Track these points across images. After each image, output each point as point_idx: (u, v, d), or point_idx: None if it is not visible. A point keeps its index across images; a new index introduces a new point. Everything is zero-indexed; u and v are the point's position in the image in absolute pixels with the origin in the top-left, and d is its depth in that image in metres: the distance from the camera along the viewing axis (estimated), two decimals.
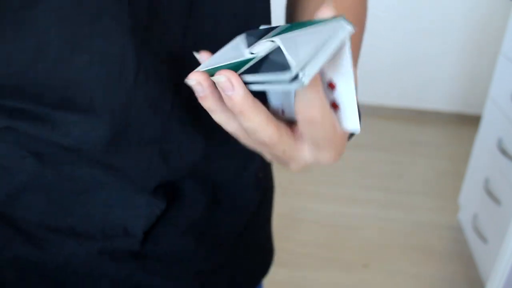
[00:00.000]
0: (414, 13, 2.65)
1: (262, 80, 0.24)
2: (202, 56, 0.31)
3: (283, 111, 0.31)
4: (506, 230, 1.44)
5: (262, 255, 0.59)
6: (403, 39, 2.72)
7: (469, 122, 2.85)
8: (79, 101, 0.35)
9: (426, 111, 2.89)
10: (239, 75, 0.26)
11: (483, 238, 1.61)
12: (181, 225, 0.46)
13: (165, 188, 0.43)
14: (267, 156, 0.32)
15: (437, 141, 2.63)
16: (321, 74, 0.28)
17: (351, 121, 0.28)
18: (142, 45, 0.34)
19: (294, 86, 0.23)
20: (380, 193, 2.14)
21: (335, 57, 0.27)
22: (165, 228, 0.45)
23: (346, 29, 0.25)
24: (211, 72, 0.27)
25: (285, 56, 0.24)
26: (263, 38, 0.28)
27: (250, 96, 0.26)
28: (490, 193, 1.57)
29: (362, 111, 2.94)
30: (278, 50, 0.25)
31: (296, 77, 0.23)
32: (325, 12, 0.27)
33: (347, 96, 0.27)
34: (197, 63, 0.36)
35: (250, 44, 0.29)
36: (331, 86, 0.28)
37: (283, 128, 0.29)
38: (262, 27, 0.31)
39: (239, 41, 0.30)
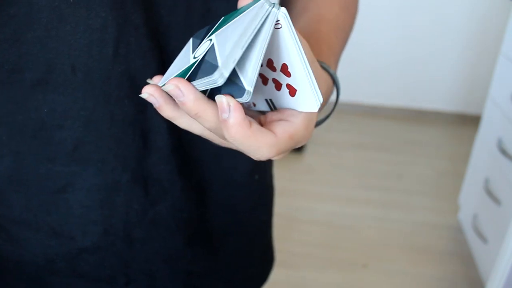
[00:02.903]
0: (414, 13, 2.65)
1: (200, 84, 0.26)
2: (155, 80, 0.32)
3: (254, 104, 0.32)
4: (506, 230, 1.43)
5: (260, 262, 0.58)
6: (403, 39, 2.72)
7: (469, 122, 2.85)
8: (61, 71, 0.36)
9: (426, 111, 2.89)
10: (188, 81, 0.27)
11: (483, 238, 1.60)
12: (169, 224, 0.45)
13: (145, 185, 0.43)
14: (249, 155, 0.33)
15: (437, 141, 2.63)
16: (272, 62, 0.29)
17: (308, 103, 0.29)
18: (124, 20, 0.35)
19: (220, 81, 0.25)
20: (380, 193, 2.14)
21: (280, 42, 0.27)
22: (153, 228, 0.45)
23: (266, 10, 0.26)
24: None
25: (216, 56, 0.26)
26: (205, 37, 0.30)
27: (203, 98, 0.26)
28: (490, 193, 1.57)
29: (362, 111, 2.94)
30: (212, 48, 0.27)
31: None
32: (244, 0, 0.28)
33: (300, 78, 0.28)
34: (183, 37, 0.38)
35: (195, 47, 0.30)
36: (284, 71, 0.28)
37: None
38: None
39: (188, 46, 0.32)
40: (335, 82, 0.38)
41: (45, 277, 0.45)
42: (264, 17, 0.26)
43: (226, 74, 0.24)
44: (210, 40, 0.28)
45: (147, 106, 0.39)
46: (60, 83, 0.36)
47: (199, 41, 0.30)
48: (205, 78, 0.25)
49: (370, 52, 2.77)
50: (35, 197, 0.41)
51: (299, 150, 2.41)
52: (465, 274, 1.68)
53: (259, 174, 0.52)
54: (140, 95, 0.30)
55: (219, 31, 0.28)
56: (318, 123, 0.37)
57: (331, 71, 0.37)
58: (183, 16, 0.39)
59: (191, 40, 0.33)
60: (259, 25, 0.25)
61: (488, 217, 1.60)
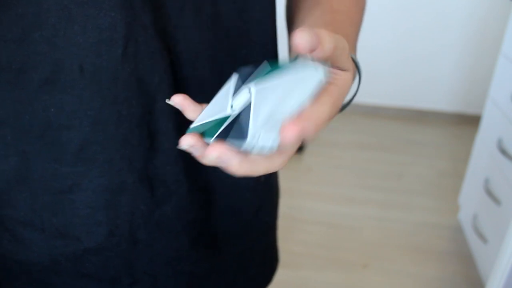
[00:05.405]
0: (414, 13, 2.65)
1: (231, 143, 0.28)
2: (175, 100, 0.31)
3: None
4: (506, 230, 1.43)
5: (264, 263, 0.58)
6: (403, 39, 2.72)
7: (469, 122, 2.85)
8: (69, 71, 0.36)
9: (426, 111, 2.89)
10: (224, 138, 0.29)
11: (483, 238, 1.60)
12: (174, 226, 0.45)
13: (151, 186, 0.42)
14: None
15: (437, 141, 2.63)
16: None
17: None
18: (133, 19, 0.35)
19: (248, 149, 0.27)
20: (380, 193, 2.14)
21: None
22: (158, 229, 0.45)
23: (317, 79, 0.28)
24: (200, 130, 0.30)
25: (248, 121, 0.27)
26: (247, 82, 0.30)
27: (241, 156, 0.27)
28: (490, 193, 1.57)
29: (363, 111, 2.94)
30: (248, 109, 0.28)
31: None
32: (299, 37, 0.26)
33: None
34: (192, 38, 0.39)
35: (236, 89, 0.31)
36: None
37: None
38: (249, 67, 0.32)
39: (229, 85, 0.32)
40: (357, 67, 0.38)
41: (50, 277, 0.45)
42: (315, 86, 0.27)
43: (252, 147, 0.27)
44: (250, 93, 0.29)
45: (154, 107, 0.39)
46: (68, 83, 0.36)
47: (241, 83, 0.31)
48: (235, 141, 0.27)
49: (370, 52, 2.77)
50: (41, 198, 0.41)
51: (299, 150, 2.41)
52: (465, 274, 1.68)
53: (265, 176, 0.52)
54: (178, 147, 0.30)
55: (261, 84, 0.28)
56: (342, 108, 0.37)
57: (353, 56, 0.37)
58: (192, 18, 0.38)
59: (234, 78, 0.32)
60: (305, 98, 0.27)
61: (488, 217, 1.60)
